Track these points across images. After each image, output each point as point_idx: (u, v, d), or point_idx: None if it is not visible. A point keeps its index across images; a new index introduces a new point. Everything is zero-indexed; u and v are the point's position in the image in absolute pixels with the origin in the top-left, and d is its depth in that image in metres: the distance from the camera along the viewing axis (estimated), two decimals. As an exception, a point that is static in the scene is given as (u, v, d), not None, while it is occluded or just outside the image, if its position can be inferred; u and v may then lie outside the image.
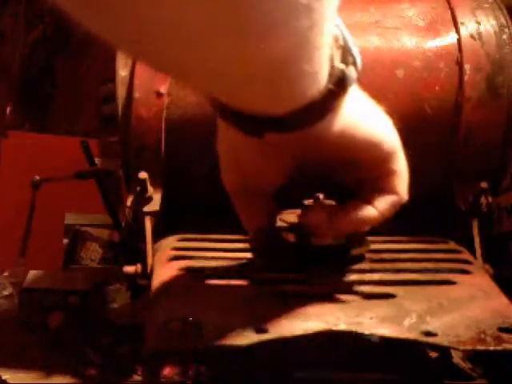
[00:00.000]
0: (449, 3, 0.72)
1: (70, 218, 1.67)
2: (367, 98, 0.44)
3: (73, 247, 1.46)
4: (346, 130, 0.42)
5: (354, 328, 0.45)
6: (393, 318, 0.47)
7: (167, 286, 0.53)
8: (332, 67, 0.38)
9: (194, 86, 0.39)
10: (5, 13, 2.25)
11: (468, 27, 0.70)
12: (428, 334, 0.44)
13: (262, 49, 0.31)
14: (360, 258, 0.56)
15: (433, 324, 0.46)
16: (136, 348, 0.77)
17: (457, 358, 0.67)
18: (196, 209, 0.69)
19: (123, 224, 0.78)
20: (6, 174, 1.93)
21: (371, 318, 0.46)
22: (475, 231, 0.66)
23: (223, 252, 0.59)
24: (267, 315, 0.46)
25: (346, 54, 0.40)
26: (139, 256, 0.64)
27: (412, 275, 0.55)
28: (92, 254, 1.42)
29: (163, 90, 0.68)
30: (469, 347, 0.44)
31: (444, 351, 0.64)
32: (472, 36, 0.69)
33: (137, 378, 0.74)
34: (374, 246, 0.57)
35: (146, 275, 0.62)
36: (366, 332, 0.45)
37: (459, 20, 0.70)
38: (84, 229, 1.51)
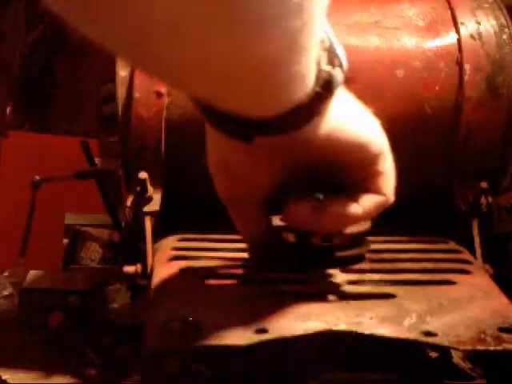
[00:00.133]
0: (449, 3, 0.72)
1: (70, 218, 1.67)
2: (354, 100, 0.44)
3: (73, 247, 1.46)
4: (333, 133, 0.42)
5: (354, 328, 0.45)
6: (393, 317, 0.47)
7: (167, 286, 0.53)
8: (319, 70, 0.38)
9: (186, 88, 0.39)
10: (5, 12, 2.25)
11: (468, 27, 0.70)
12: (428, 333, 0.44)
13: (252, 48, 0.31)
14: (360, 258, 0.56)
15: (433, 324, 0.46)
16: (136, 348, 0.77)
17: (457, 358, 0.67)
18: (196, 209, 0.69)
19: (123, 224, 0.78)
20: (6, 174, 1.93)
21: (371, 318, 0.46)
22: (475, 231, 0.66)
23: (223, 252, 0.59)
24: (267, 315, 0.46)
25: (332, 56, 0.40)
26: (139, 256, 0.64)
27: (412, 275, 0.55)
28: (92, 254, 1.42)
29: (163, 90, 0.69)
30: (469, 347, 0.44)
31: (444, 351, 0.64)
32: (472, 36, 0.70)
33: (137, 378, 0.74)
34: (374, 246, 0.57)
35: (146, 275, 0.62)
36: (366, 332, 0.45)
37: (459, 20, 0.70)
38: (84, 229, 1.51)
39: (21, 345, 0.82)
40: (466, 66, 0.68)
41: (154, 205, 0.67)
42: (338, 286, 0.52)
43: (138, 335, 0.51)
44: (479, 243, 0.65)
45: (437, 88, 0.69)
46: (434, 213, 0.70)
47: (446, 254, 0.62)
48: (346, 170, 0.45)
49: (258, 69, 0.33)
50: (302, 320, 0.46)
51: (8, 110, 2.24)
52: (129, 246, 0.73)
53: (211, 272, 0.55)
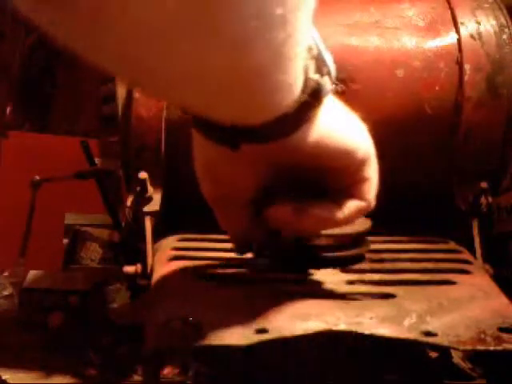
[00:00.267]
0: (449, 3, 0.72)
1: (70, 218, 1.66)
2: (342, 106, 0.44)
3: (73, 247, 1.46)
4: (322, 140, 0.42)
5: (354, 328, 0.45)
6: (393, 317, 0.47)
7: (167, 286, 0.53)
8: (307, 78, 0.39)
9: (176, 100, 0.39)
10: (5, 12, 2.25)
11: (468, 27, 0.70)
12: (428, 333, 0.44)
13: (237, 60, 0.32)
14: (360, 258, 0.56)
15: (433, 324, 0.46)
16: (136, 348, 0.77)
17: (457, 358, 0.67)
18: (196, 209, 0.69)
19: (123, 224, 0.78)
20: (6, 174, 1.94)
21: (371, 318, 0.46)
22: (475, 231, 0.66)
23: (223, 252, 0.59)
24: (267, 315, 0.46)
25: (320, 64, 0.40)
26: (139, 256, 0.64)
27: (412, 275, 0.55)
28: (92, 254, 1.42)
29: (163, 90, 0.68)
30: (469, 347, 0.44)
31: (444, 351, 0.64)
32: (472, 36, 0.69)
33: (137, 378, 0.74)
34: (374, 246, 0.58)
35: (146, 275, 0.62)
36: (366, 332, 0.45)
37: (459, 20, 0.70)
38: (84, 229, 1.51)
39: (21, 345, 0.82)
40: (466, 66, 0.68)
41: (154, 205, 0.67)
42: (337, 286, 0.52)
43: (138, 335, 0.51)
44: (479, 243, 0.65)
45: (437, 88, 0.69)
46: (433, 213, 0.70)
47: (446, 254, 0.62)
48: (332, 174, 0.45)
49: (245, 79, 0.34)
50: (301, 320, 0.46)
51: (8, 110, 2.24)
52: (129, 245, 0.73)
53: (211, 272, 0.55)
